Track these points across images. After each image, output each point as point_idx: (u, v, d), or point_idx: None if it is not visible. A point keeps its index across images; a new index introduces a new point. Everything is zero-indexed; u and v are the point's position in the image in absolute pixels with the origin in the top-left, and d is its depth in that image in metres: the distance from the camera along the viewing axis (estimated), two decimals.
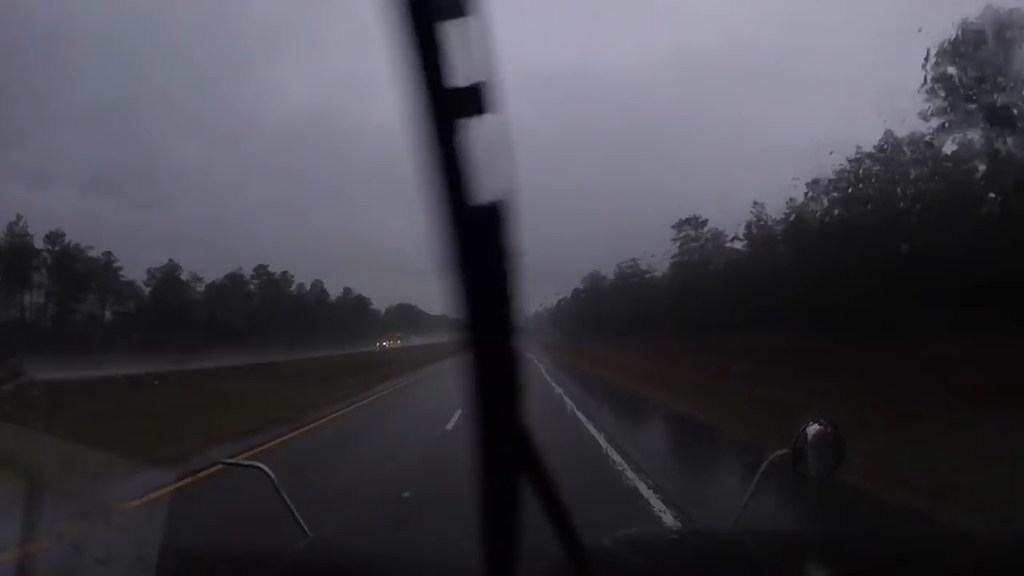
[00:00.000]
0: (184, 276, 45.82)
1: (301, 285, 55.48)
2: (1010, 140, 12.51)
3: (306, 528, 1.63)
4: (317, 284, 56.65)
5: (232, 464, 2.02)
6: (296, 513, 1.65)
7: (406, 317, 69.05)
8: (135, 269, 42.34)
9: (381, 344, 51.81)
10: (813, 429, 1.54)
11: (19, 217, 35.94)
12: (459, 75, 0.50)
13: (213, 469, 5.76)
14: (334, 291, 58.06)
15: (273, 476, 1.68)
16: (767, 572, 1.25)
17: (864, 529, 2.65)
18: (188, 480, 5.84)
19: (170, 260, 45.03)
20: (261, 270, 52.68)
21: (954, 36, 13.25)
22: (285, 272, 53.80)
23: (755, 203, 23.88)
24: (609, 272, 46.30)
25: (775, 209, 22.49)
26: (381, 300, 65.89)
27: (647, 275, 36.26)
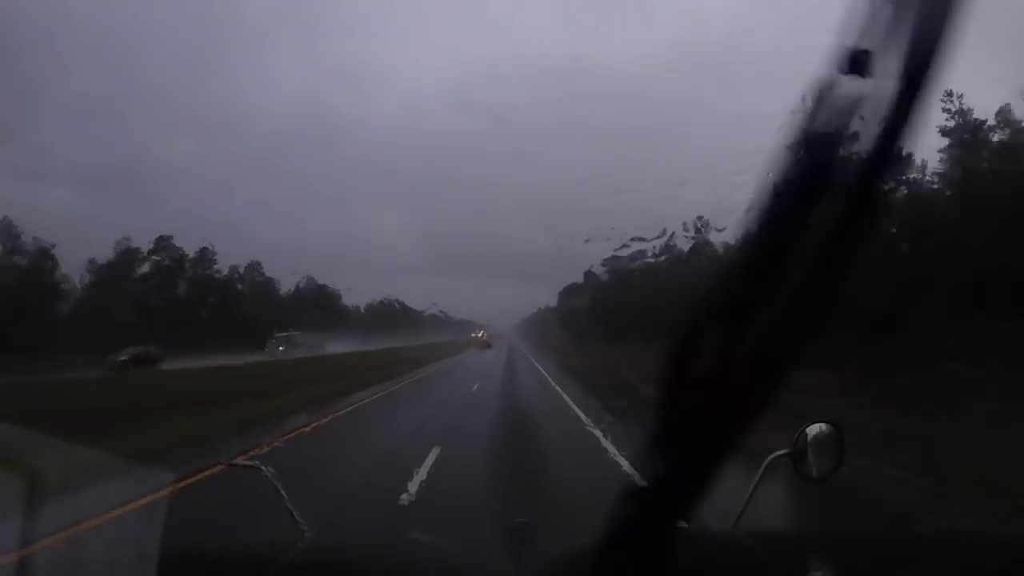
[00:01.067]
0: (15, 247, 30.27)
1: (235, 268, 38.95)
2: None
3: (306, 528, 1.63)
4: (254, 267, 39.67)
5: (232, 464, 2.02)
6: (296, 513, 1.65)
7: (385, 315, 58.64)
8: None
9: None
10: (814, 429, 1.54)
11: None
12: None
13: (213, 469, 5.77)
14: (288, 280, 43.27)
15: (273, 476, 1.69)
16: (767, 572, 1.25)
17: (864, 529, 2.63)
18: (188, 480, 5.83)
19: (4, 217, 30.61)
20: (163, 244, 35.52)
21: None
22: (205, 249, 36.87)
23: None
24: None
25: None
26: (365, 297, 58.28)
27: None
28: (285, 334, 33.40)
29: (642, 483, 0.61)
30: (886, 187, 0.56)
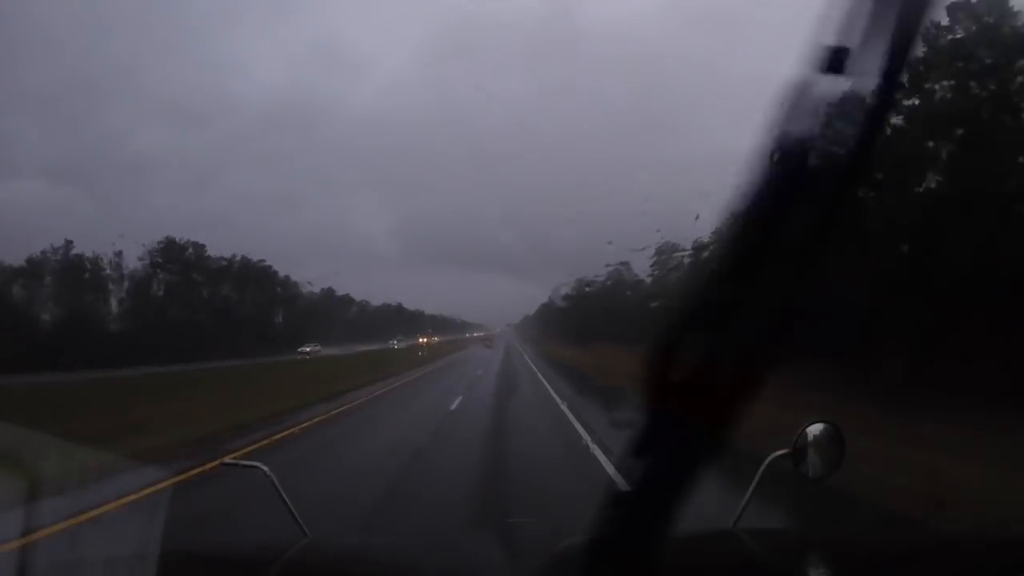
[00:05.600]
0: None
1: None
2: None
3: (306, 528, 1.63)
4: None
5: (232, 464, 2.02)
6: (296, 513, 1.65)
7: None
8: None
9: None
10: (814, 429, 1.54)
11: None
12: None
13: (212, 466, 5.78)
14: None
15: (273, 476, 1.69)
16: (767, 572, 1.25)
17: (864, 529, 2.64)
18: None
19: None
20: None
21: None
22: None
23: None
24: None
25: None
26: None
27: None
28: None
29: (626, 488, 0.59)
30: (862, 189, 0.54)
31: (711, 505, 1.13)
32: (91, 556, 1.49)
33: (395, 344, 50.61)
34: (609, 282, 36.03)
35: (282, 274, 42.33)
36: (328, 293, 50.61)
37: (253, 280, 39.32)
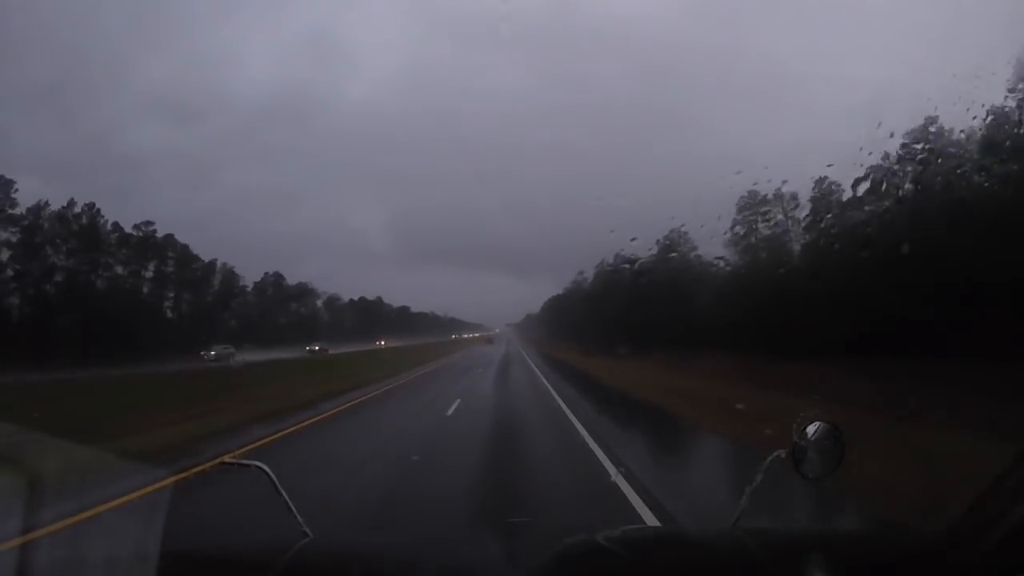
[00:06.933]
0: None
1: None
2: None
3: (306, 528, 1.63)
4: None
5: (232, 464, 2.02)
6: (296, 513, 1.65)
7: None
8: None
9: None
10: (814, 429, 1.54)
11: None
12: None
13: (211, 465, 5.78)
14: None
15: (273, 476, 1.69)
16: (767, 572, 1.25)
17: (864, 529, 2.63)
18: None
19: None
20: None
21: None
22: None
23: None
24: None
25: None
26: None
27: None
28: None
29: None
30: None
31: None
32: (91, 556, 1.49)
33: (212, 355, 30.70)
34: (663, 253, 22.04)
35: (200, 250, 30.54)
36: (273, 281, 35.89)
37: (142, 252, 26.39)
